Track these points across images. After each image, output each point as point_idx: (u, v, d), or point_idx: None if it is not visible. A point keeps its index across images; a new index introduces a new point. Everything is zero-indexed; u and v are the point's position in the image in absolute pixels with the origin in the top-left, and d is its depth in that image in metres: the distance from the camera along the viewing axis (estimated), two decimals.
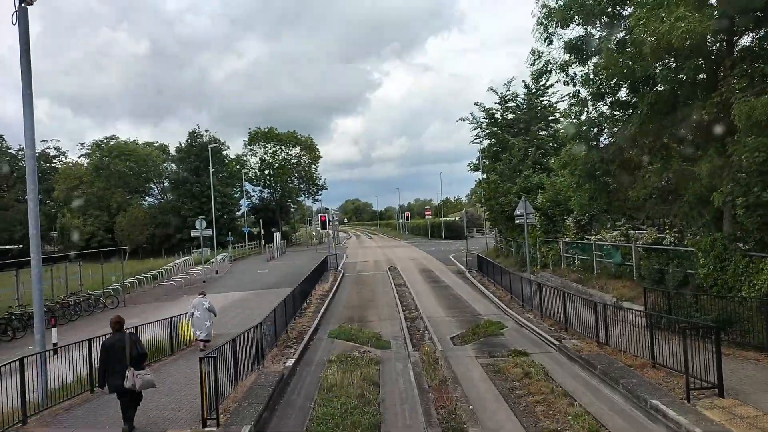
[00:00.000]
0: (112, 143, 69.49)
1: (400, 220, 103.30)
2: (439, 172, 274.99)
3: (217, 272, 38.61)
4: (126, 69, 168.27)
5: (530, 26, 18.39)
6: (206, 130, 67.95)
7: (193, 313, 15.84)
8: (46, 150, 79.97)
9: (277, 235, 55.86)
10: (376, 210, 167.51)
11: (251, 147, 76.35)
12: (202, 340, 15.68)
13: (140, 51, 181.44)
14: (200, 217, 35.11)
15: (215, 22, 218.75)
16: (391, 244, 73.87)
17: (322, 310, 21.95)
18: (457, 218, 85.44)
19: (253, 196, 78.28)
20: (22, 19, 11.18)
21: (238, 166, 72.79)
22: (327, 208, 69.33)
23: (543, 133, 40.20)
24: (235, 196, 67.72)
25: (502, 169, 37.39)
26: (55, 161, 78.95)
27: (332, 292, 27.51)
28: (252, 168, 75.69)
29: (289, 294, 19.63)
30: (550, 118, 41.16)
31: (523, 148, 36.94)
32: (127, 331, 9.36)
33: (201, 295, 16.53)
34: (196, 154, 66.04)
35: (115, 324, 9.11)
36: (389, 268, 37.44)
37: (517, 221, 20.56)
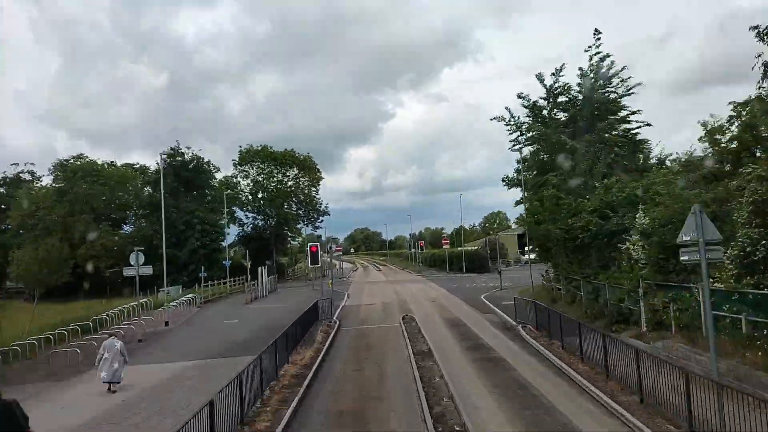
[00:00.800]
0: (79, 162, 60.20)
1: (413, 250, 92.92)
2: (451, 200, 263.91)
3: (167, 323, 28.35)
4: (142, 101, 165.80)
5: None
6: (188, 147, 58.72)
7: (102, 355, 15.57)
8: (21, 174, 71.47)
9: (263, 270, 45.66)
10: (386, 239, 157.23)
11: (243, 167, 66.85)
12: (107, 382, 15.43)
13: (158, 83, 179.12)
14: (136, 249, 24.99)
15: (231, 54, 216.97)
16: (404, 278, 63.36)
17: (285, 420, 11.59)
18: (477, 248, 74.94)
19: (246, 223, 68.66)
20: None
21: (228, 191, 63.02)
22: (319, 236, 59.41)
23: (614, 133, 30.03)
24: (221, 223, 57.82)
25: (560, 181, 27.22)
26: (30, 186, 70.11)
27: (316, 365, 17.20)
28: (243, 191, 66.08)
29: (235, 378, 9.52)
30: (621, 114, 31.01)
31: (591, 152, 26.77)
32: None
33: (112, 337, 16.53)
34: (175, 174, 56.61)
35: None
36: (403, 319, 26.97)
37: (684, 257, 10.07)
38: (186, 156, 57.79)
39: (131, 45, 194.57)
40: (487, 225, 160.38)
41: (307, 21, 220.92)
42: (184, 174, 56.59)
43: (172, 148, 57.44)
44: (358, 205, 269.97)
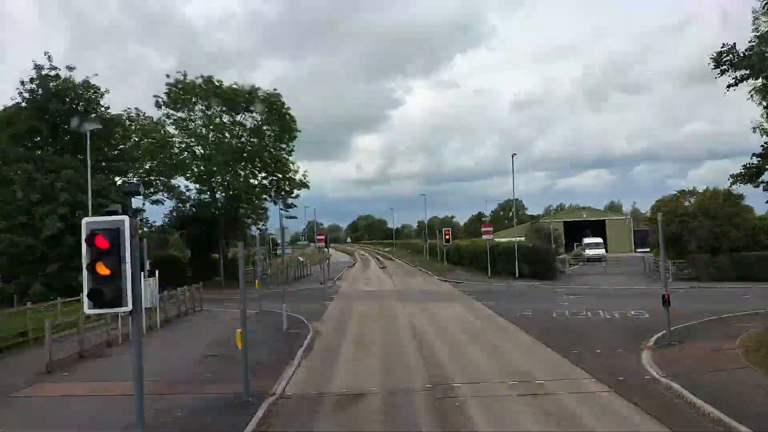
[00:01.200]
0: None
1: (429, 241, 69.76)
2: (458, 190, 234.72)
3: None
4: (150, 84, 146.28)
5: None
6: (69, 67, 35.31)
7: None
8: None
9: (142, 279, 22.49)
10: (392, 227, 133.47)
11: (174, 113, 43.28)
12: None
13: (166, 66, 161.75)
14: None
15: (239, 38, 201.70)
16: (421, 285, 40.28)
17: None
18: (523, 238, 51.40)
19: (190, 197, 45.45)
20: None
21: (115, 128, 37.90)
22: (284, 217, 36.70)
23: None
24: (119, 193, 34.44)
25: None
26: None
27: None
28: (171, 143, 42.78)
29: None
30: None
31: None
32: None
33: None
34: (36, 109, 33.48)
35: None
36: None
37: None
38: (60, 82, 34.27)
39: (139, 27, 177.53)
40: (502, 214, 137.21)
41: (317, 4, 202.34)
42: (55, 109, 33.45)
43: (37, 66, 34.01)
44: (364, 194, 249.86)
